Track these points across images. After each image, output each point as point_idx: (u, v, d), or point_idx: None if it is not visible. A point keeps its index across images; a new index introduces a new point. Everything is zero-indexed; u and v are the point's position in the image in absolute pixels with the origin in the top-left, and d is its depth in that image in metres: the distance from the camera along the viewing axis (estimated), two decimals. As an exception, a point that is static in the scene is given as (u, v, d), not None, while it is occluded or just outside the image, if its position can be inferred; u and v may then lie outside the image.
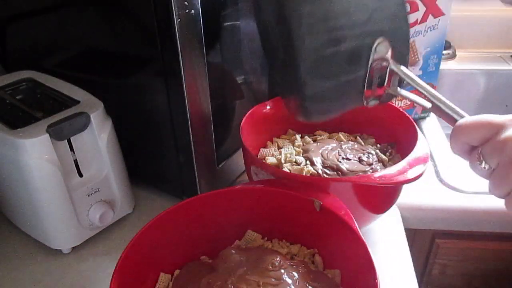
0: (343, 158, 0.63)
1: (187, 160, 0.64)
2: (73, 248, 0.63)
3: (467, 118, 0.39)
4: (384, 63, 0.47)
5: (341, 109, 0.53)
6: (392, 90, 0.49)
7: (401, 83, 0.50)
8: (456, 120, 0.41)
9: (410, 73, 0.47)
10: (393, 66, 0.47)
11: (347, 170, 0.60)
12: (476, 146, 0.37)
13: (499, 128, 0.35)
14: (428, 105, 0.45)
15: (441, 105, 0.43)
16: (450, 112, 0.43)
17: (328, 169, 0.61)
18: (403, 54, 0.49)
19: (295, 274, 0.47)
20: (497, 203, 0.73)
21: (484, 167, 0.36)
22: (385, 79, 0.48)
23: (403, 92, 0.50)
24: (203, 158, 0.65)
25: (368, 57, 0.46)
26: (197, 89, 0.58)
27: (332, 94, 0.49)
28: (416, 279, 0.60)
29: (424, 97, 0.45)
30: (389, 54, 0.47)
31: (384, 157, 0.64)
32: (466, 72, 1.12)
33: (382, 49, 0.46)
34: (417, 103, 0.47)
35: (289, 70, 0.48)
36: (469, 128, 0.37)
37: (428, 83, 0.90)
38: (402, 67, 0.47)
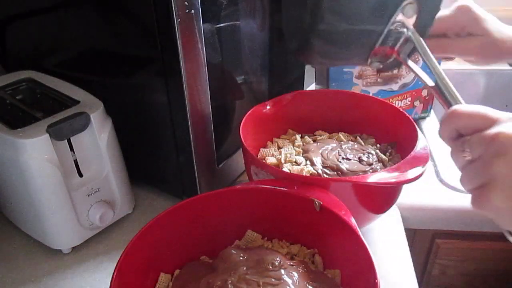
0: (343, 158, 0.63)
1: (187, 160, 0.64)
2: (73, 248, 0.63)
3: (464, 105, 0.38)
4: (404, 29, 0.46)
5: (344, 60, 0.52)
6: (402, 57, 0.48)
7: (411, 54, 0.49)
8: (450, 104, 0.41)
9: (426, 46, 0.46)
10: (411, 33, 0.46)
11: (347, 170, 0.60)
12: (464, 135, 0.37)
13: (494, 121, 0.35)
14: (431, 83, 0.44)
15: (443, 86, 0.43)
16: (448, 96, 0.42)
17: (328, 169, 0.61)
18: (426, 25, 0.47)
19: (295, 274, 0.47)
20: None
21: (465, 156, 0.36)
22: (398, 42, 0.47)
23: (411, 62, 0.48)
24: (203, 158, 0.65)
25: (392, 14, 0.45)
26: (197, 89, 0.58)
27: (343, 38, 0.47)
28: (416, 279, 0.60)
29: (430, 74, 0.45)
30: (413, 19, 0.45)
31: (384, 157, 0.64)
32: (466, 72, 1.12)
33: (409, 11, 0.45)
34: (420, 78, 0.46)
35: (309, 2, 0.46)
36: (464, 116, 0.37)
37: (428, 83, 0.90)
38: (420, 38, 0.46)
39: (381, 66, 0.51)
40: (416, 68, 0.48)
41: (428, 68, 0.45)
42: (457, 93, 0.42)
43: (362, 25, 0.46)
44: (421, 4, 0.45)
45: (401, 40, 0.47)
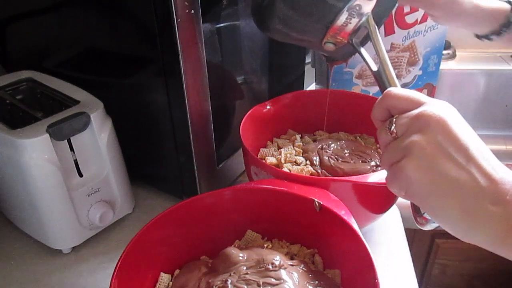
0: (343, 158, 0.63)
1: (187, 160, 0.64)
2: (73, 248, 0.63)
3: (398, 88, 0.40)
4: (362, 14, 0.48)
5: (300, 32, 0.54)
6: (355, 43, 0.51)
7: (365, 41, 0.52)
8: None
9: (378, 33, 0.49)
10: (368, 18, 0.49)
11: (347, 170, 0.60)
12: (393, 115, 0.39)
13: (421, 104, 0.37)
14: (375, 68, 0.47)
15: (384, 70, 0.45)
16: (386, 80, 0.45)
17: (327, 169, 0.61)
18: (383, 15, 0.50)
19: (295, 274, 0.47)
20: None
21: (391, 133, 0.37)
22: (353, 26, 0.50)
23: (362, 48, 0.51)
24: (203, 158, 0.65)
25: None
26: (197, 89, 0.58)
27: (305, 4, 0.50)
28: (416, 279, 0.60)
29: (375, 60, 0.47)
30: (371, 5, 0.48)
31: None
32: (466, 72, 1.12)
33: None
34: (366, 62, 0.49)
35: None
36: (397, 97, 0.38)
37: (428, 83, 0.91)
38: (375, 24, 0.49)
39: (334, 49, 0.53)
40: (364, 52, 0.50)
41: (375, 52, 0.48)
42: (396, 79, 0.45)
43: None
44: None
45: (357, 24, 0.49)
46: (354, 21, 0.49)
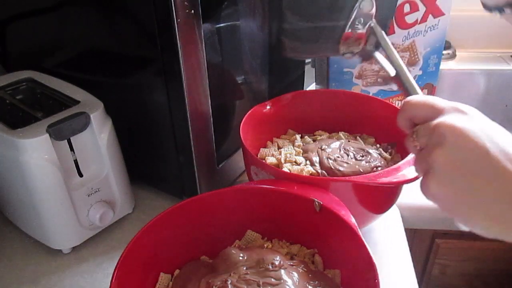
0: (343, 158, 0.62)
1: (187, 160, 0.64)
2: (73, 248, 0.63)
3: (417, 96, 0.40)
4: (367, 20, 0.49)
5: (316, 54, 0.55)
6: (369, 48, 0.52)
7: (378, 46, 0.52)
8: (409, 95, 0.44)
9: (387, 38, 0.50)
10: (373, 25, 0.50)
11: (347, 170, 0.60)
12: (416, 124, 0.39)
13: (439, 112, 0.37)
14: (393, 73, 0.47)
15: (403, 77, 0.46)
16: (408, 86, 0.45)
17: (327, 169, 0.61)
18: (386, 18, 0.51)
19: (295, 274, 0.47)
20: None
21: (415, 145, 0.38)
22: (364, 31, 0.51)
23: (377, 53, 0.52)
24: (203, 158, 0.65)
25: (351, 9, 0.48)
26: (197, 89, 0.58)
27: (308, 35, 0.52)
28: (416, 279, 0.60)
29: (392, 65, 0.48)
30: (373, 12, 0.49)
31: (386, 155, 0.64)
32: (466, 72, 1.12)
33: (367, 5, 0.49)
34: (384, 68, 0.49)
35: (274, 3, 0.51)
36: (415, 106, 0.39)
37: (428, 83, 0.91)
38: (381, 30, 0.50)
39: (353, 57, 0.55)
40: (381, 58, 0.51)
41: (388, 59, 0.48)
42: (414, 83, 0.45)
43: (323, 22, 0.50)
44: None
45: (366, 28, 0.51)
46: (361, 30, 0.50)
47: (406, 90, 0.46)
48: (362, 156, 0.63)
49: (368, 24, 0.50)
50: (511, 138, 0.34)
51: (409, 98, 0.40)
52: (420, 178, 0.38)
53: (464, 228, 0.40)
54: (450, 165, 0.34)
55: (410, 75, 0.46)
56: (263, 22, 0.68)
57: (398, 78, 0.46)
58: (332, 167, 0.60)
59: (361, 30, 0.50)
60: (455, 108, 0.36)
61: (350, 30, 0.51)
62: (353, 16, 0.49)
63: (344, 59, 0.79)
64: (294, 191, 0.51)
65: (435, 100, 0.38)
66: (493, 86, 1.12)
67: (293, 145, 0.68)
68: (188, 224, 0.51)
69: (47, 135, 0.54)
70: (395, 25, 0.78)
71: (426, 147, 0.37)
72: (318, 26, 0.50)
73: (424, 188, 0.37)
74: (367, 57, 0.55)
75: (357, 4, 0.48)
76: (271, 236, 0.55)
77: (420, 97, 0.40)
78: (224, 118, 0.69)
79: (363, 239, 0.44)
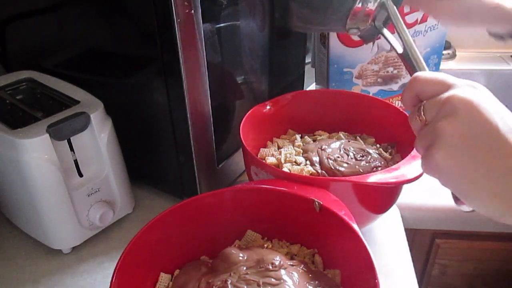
0: (343, 158, 0.62)
1: (187, 160, 0.64)
2: (73, 248, 0.63)
3: (425, 72, 0.39)
4: None
5: (322, 25, 0.55)
6: (377, 25, 0.51)
7: (386, 23, 0.52)
8: (416, 71, 0.43)
9: (398, 14, 0.49)
10: (386, 0, 0.49)
11: (347, 170, 0.60)
12: (422, 100, 0.38)
13: (449, 86, 0.36)
14: (400, 50, 0.46)
15: (410, 54, 0.45)
16: (415, 64, 0.45)
17: (327, 170, 0.61)
18: None
19: (295, 274, 0.47)
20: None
21: (421, 119, 0.37)
22: (373, 6, 0.50)
23: (385, 30, 0.51)
24: (203, 158, 0.65)
25: None
26: (197, 89, 0.58)
27: (319, 2, 0.51)
28: (416, 279, 0.60)
29: (400, 42, 0.47)
30: None
31: (386, 155, 0.64)
32: (466, 72, 1.12)
33: None
34: (391, 44, 0.49)
35: None
36: (424, 81, 0.38)
37: (428, 83, 0.90)
38: (393, 6, 0.49)
39: (359, 33, 0.53)
40: (389, 35, 0.50)
41: (398, 36, 0.47)
42: (423, 61, 0.45)
43: None
44: None
45: (376, 4, 0.50)
46: (371, 5, 0.50)
47: (413, 68, 0.45)
48: (362, 156, 0.63)
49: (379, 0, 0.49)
50: None
51: (418, 73, 0.39)
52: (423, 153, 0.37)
53: (463, 207, 0.39)
54: (460, 137, 0.33)
55: (418, 53, 0.45)
56: (263, 22, 0.68)
57: (406, 56, 0.45)
58: (332, 167, 0.60)
59: (372, 6, 0.50)
60: (466, 84, 0.36)
61: (360, 5, 0.50)
62: None
63: (344, 60, 0.79)
64: (294, 191, 0.51)
65: (444, 76, 0.37)
66: (493, 86, 1.12)
67: (293, 145, 0.68)
68: (188, 224, 0.51)
69: (47, 135, 0.54)
70: (395, 25, 0.78)
71: (433, 120, 0.36)
72: None
73: (428, 160, 0.36)
74: (371, 36, 0.55)
75: None
76: (271, 236, 0.55)
77: (429, 73, 0.39)
78: (224, 118, 0.69)
79: (363, 239, 0.44)
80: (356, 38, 0.57)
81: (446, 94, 0.35)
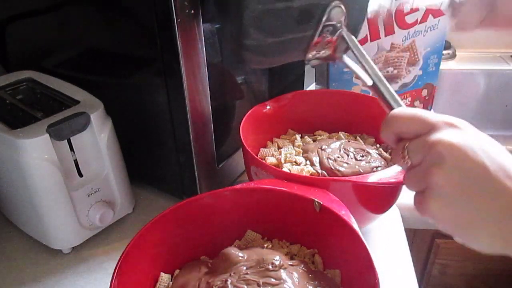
0: (343, 158, 0.62)
1: (187, 160, 0.64)
2: (73, 248, 0.63)
3: (403, 109, 0.38)
4: (336, 26, 0.45)
5: (282, 63, 0.51)
6: (338, 54, 0.48)
7: (346, 51, 0.49)
8: (391, 107, 0.41)
9: (359, 44, 0.46)
10: (344, 33, 0.46)
11: (347, 170, 0.60)
12: (403, 138, 0.37)
13: (431, 127, 0.35)
14: (369, 82, 0.44)
15: (381, 86, 0.43)
16: (387, 96, 0.42)
17: (327, 170, 0.61)
18: (357, 24, 0.48)
19: (295, 274, 0.47)
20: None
21: (406, 162, 0.37)
22: (333, 37, 0.47)
23: (347, 60, 0.48)
24: (203, 158, 0.65)
25: (320, 18, 0.44)
26: (197, 89, 0.58)
27: (274, 49, 0.47)
28: (416, 279, 0.60)
29: (367, 73, 0.44)
30: (343, 19, 0.45)
31: (386, 154, 0.64)
32: (466, 72, 1.12)
33: (337, 13, 0.45)
34: (359, 77, 0.46)
35: (234, 17, 0.46)
36: (403, 120, 0.37)
37: (428, 83, 0.91)
38: (353, 37, 0.46)
39: (320, 63, 0.51)
40: (354, 66, 0.47)
41: (363, 69, 0.44)
42: (395, 94, 0.42)
43: (290, 35, 0.46)
44: (348, 4, 0.45)
45: (334, 41, 0.47)
46: (330, 39, 0.47)
47: (385, 101, 0.43)
48: (362, 156, 0.63)
49: (339, 32, 0.46)
50: (505, 152, 0.34)
51: (395, 111, 0.38)
52: (414, 194, 0.37)
53: (461, 241, 0.39)
54: (451, 186, 0.33)
55: (389, 85, 0.43)
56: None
57: (376, 89, 0.43)
58: (332, 167, 0.60)
59: (330, 37, 0.47)
60: (447, 123, 0.35)
61: (318, 38, 0.47)
62: (321, 26, 0.45)
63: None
64: (294, 191, 0.51)
65: (424, 114, 0.36)
66: (493, 86, 1.12)
67: (293, 145, 0.68)
68: (188, 224, 0.51)
69: (47, 135, 0.54)
70: (395, 25, 0.78)
71: (421, 166, 0.35)
72: (285, 40, 0.46)
73: (422, 208, 0.36)
74: (333, 61, 0.52)
75: (326, 13, 0.44)
76: (271, 236, 0.55)
77: (406, 110, 0.38)
78: (224, 118, 0.69)
79: (363, 239, 0.44)
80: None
81: (430, 139, 0.34)
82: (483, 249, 0.35)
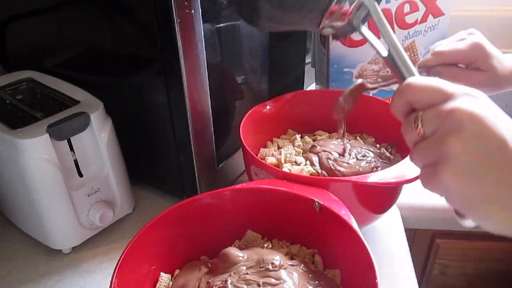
0: (343, 158, 0.62)
1: (187, 160, 0.64)
2: (73, 248, 0.63)
3: (419, 78, 0.36)
4: None
5: (294, 25, 0.50)
6: (355, 23, 0.46)
7: (365, 20, 0.47)
8: (405, 79, 0.39)
9: (380, 11, 0.44)
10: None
11: (347, 170, 0.60)
12: (417, 109, 0.35)
13: (448, 96, 0.34)
14: (385, 53, 0.42)
15: (397, 57, 0.41)
16: (402, 67, 0.40)
17: (327, 170, 0.61)
18: None
19: (295, 274, 0.47)
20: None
21: (418, 133, 0.34)
22: (351, 5, 0.45)
23: (364, 29, 0.46)
24: (203, 158, 0.65)
25: None
26: (197, 89, 0.58)
27: (293, 2, 0.46)
28: (416, 279, 0.60)
29: (384, 43, 0.43)
30: None
31: (387, 154, 0.64)
32: (466, 72, 1.12)
33: None
34: (374, 47, 0.44)
35: None
36: (418, 88, 0.35)
37: (428, 83, 0.90)
38: (375, 3, 0.44)
39: (333, 32, 0.49)
40: (370, 35, 0.45)
41: (382, 37, 0.42)
42: (411, 64, 0.41)
43: None
44: None
45: (354, 3, 0.45)
46: (349, 3, 0.45)
47: (400, 72, 0.41)
48: (363, 156, 0.63)
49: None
50: None
51: (410, 79, 0.36)
52: (422, 170, 0.35)
53: (468, 224, 0.37)
54: (469, 155, 0.31)
55: (405, 55, 0.41)
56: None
57: (391, 59, 0.41)
58: (332, 167, 0.60)
59: (349, 5, 0.44)
60: (466, 93, 0.33)
61: (336, 4, 0.45)
62: None
63: (344, 60, 0.79)
64: (294, 191, 0.51)
65: (440, 83, 0.34)
66: (493, 86, 1.12)
67: (293, 145, 0.68)
68: (188, 224, 0.51)
69: (47, 135, 0.54)
70: (395, 25, 0.78)
71: (435, 135, 0.33)
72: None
73: (433, 182, 0.34)
74: (345, 34, 0.49)
75: None
76: (271, 236, 0.55)
77: (423, 79, 0.36)
78: (224, 118, 0.69)
79: (363, 239, 0.44)
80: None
81: (447, 106, 0.33)
82: (496, 228, 0.33)
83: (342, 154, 0.61)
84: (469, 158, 0.32)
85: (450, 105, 0.33)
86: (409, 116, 0.36)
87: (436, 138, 0.33)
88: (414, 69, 0.40)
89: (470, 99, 0.33)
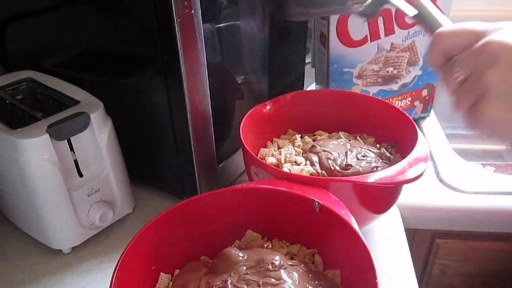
0: (343, 158, 0.62)
1: (187, 160, 0.64)
2: (73, 248, 0.63)
3: (448, 26, 0.37)
4: None
5: (321, 7, 0.50)
6: None
7: None
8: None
9: None
10: None
11: (346, 174, 0.60)
12: (453, 56, 0.35)
13: (481, 35, 0.34)
14: (413, 12, 0.42)
15: (427, 11, 0.41)
16: (434, 20, 0.40)
17: (327, 170, 0.61)
18: None
19: (295, 274, 0.47)
20: (497, 203, 0.73)
21: (457, 77, 0.34)
22: None
23: None
24: (203, 158, 0.65)
25: None
26: (197, 89, 0.58)
27: None
28: (416, 279, 0.60)
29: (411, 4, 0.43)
30: None
31: (387, 154, 0.64)
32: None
33: None
34: (401, 9, 0.44)
35: None
36: (450, 35, 0.35)
37: (428, 83, 0.91)
38: None
39: (361, 8, 0.49)
40: (398, 0, 0.46)
41: None
42: (442, 17, 0.40)
43: None
44: None
45: None
46: None
47: (431, 26, 0.40)
48: (363, 156, 0.63)
49: None
50: None
51: (440, 29, 0.36)
52: (465, 113, 0.35)
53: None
54: (508, 85, 0.31)
55: (434, 9, 0.41)
56: (263, 22, 0.68)
57: (421, 16, 0.41)
58: (332, 167, 0.60)
59: None
60: (496, 28, 0.33)
61: None
62: None
63: (344, 60, 0.79)
64: (294, 191, 0.51)
65: (471, 25, 0.34)
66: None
67: (293, 145, 0.68)
68: (188, 224, 0.51)
69: (47, 135, 0.54)
70: (395, 25, 0.78)
71: (473, 75, 0.33)
72: None
73: (476, 118, 0.33)
74: (372, 11, 0.50)
75: None
76: (271, 236, 0.55)
77: (452, 25, 0.36)
78: (224, 118, 0.69)
79: (363, 239, 0.44)
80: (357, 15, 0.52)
81: (482, 41, 0.33)
82: None
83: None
84: (508, 87, 0.31)
85: (482, 41, 0.33)
86: (446, 66, 0.36)
87: (474, 76, 0.33)
88: (443, 20, 0.40)
89: (501, 32, 0.33)
